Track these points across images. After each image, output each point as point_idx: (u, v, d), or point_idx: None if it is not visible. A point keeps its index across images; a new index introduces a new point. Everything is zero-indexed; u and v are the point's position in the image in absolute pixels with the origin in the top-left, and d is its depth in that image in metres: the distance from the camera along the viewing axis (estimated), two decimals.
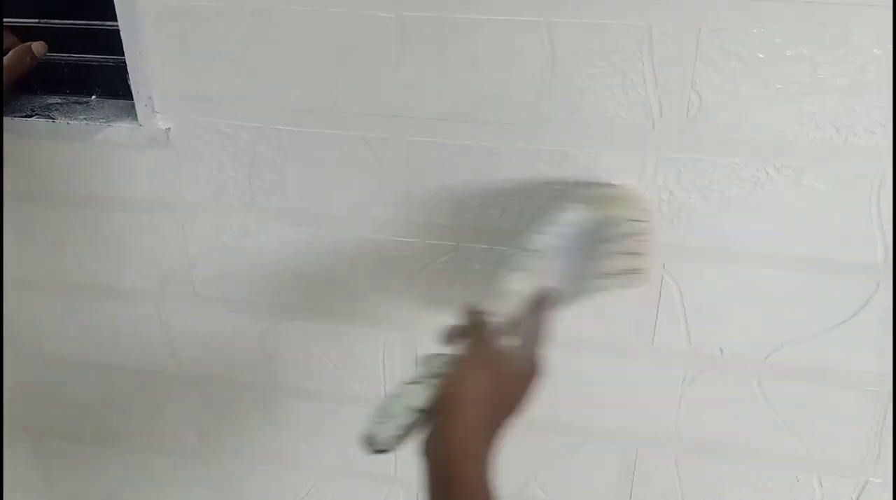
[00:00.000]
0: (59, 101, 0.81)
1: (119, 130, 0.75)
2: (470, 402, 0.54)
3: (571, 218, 0.62)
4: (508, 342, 0.59)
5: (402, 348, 0.82)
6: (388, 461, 0.91)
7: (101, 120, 0.76)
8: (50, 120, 0.76)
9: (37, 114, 0.77)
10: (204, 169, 0.76)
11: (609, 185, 0.67)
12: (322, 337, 0.84)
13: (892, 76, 0.59)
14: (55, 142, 0.77)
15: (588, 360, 0.78)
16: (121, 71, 0.78)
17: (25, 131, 0.77)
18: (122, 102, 0.80)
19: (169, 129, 0.74)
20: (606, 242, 0.63)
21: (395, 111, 0.69)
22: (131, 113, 0.76)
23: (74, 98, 0.81)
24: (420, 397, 0.54)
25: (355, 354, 0.84)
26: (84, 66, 0.81)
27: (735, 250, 0.69)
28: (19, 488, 1.06)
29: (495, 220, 0.71)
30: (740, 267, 0.69)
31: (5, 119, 0.77)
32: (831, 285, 0.68)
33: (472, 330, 0.59)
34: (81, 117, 0.76)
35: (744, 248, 0.68)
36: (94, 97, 0.81)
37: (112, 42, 0.73)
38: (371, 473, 0.92)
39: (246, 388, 0.90)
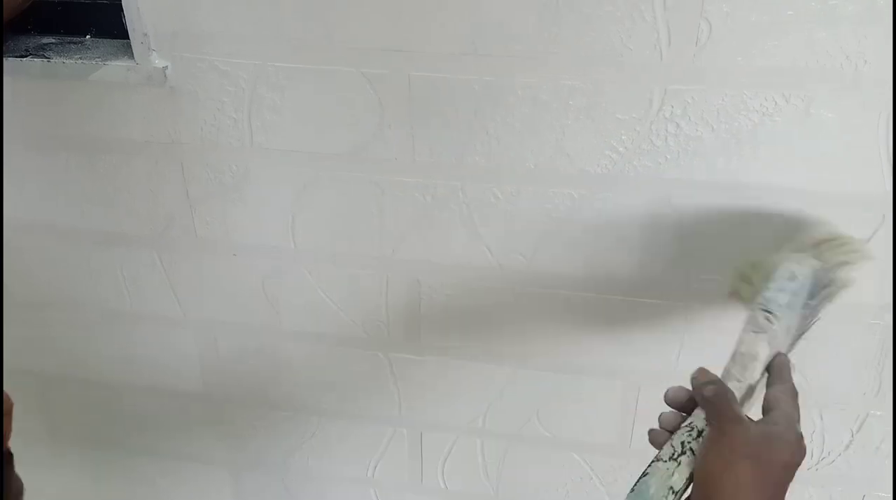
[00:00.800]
0: (54, 41, 0.79)
1: (115, 69, 0.73)
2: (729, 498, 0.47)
3: (801, 271, 0.58)
4: (763, 421, 0.51)
5: (407, 290, 0.82)
6: (392, 401, 0.91)
7: (97, 59, 0.74)
8: (45, 59, 0.74)
9: (31, 54, 0.75)
10: (202, 109, 0.75)
11: (831, 233, 0.64)
12: (325, 279, 0.84)
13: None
14: (50, 82, 0.76)
15: (591, 297, 0.78)
16: (116, 9, 0.76)
17: (20, 72, 0.75)
18: (118, 42, 0.78)
19: (166, 67, 0.73)
20: (828, 288, 0.60)
21: (395, 46, 0.68)
22: (127, 52, 0.75)
23: (69, 38, 0.79)
24: (678, 478, 0.50)
25: (359, 296, 0.84)
26: (78, 5, 0.79)
27: (741, 182, 0.68)
28: (23, 432, 1.07)
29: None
30: (746, 199, 0.69)
31: None
32: (837, 216, 0.67)
33: (716, 403, 0.51)
34: (76, 57, 0.75)
35: (751, 179, 0.68)
36: (88, 37, 0.80)
37: None
38: (376, 414, 0.93)
39: (250, 331, 0.90)
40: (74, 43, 0.79)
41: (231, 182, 0.79)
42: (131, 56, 0.74)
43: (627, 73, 0.64)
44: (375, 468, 0.99)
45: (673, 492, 0.49)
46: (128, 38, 0.75)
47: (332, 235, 0.81)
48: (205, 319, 0.90)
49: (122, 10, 0.75)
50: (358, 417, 0.94)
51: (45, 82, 0.76)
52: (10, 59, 0.75)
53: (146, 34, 0.72)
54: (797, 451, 0.50)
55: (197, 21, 0.70)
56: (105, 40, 0.79)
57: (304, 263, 0.83)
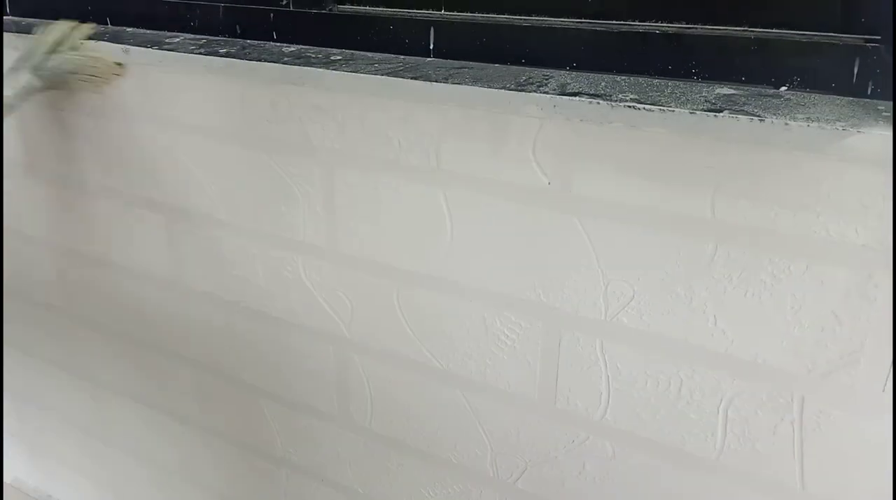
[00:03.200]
0: (734, 91, 0.57)
1: (873, 140, 0.48)
2: None
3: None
4: None
5: None
6: None
7: (840, 123, 0.50)
8: (754, 119, 0.52)
9: (727, 108, 0.54)
10: None
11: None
12: None
13: None
14: (754, 150, 0.53)
15: None
16: (839, 51, 0.52)
17: (707, 131, 0.54)
18: (835, 101, 0.54)
19: None
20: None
21: None
22: (863, 113, 0.50)
23: (754, 88, 0.57)
24: None
25: None
26: (776, 43, 0.57)
27: None
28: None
29: None
30: None
31: (666, 113, 0.55)
32: None
33: None
34: (801, 118, 0.51)
35: None
36: (784, 88, 0.57)
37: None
38: None
39: None
40: (763, 96, 0.56)
41: None
42: (885, 125, 0.49)
43: None
44: None
45: None
46: (856, 96, 0.51)
47: None
48: None
49: (857, 55, 0.51)
50: None
51: (750, 147, 0.54)
52: (685, 112, 0.54)
53: None
54: None
55: None
56: (813, 95, 0.55)
57: None
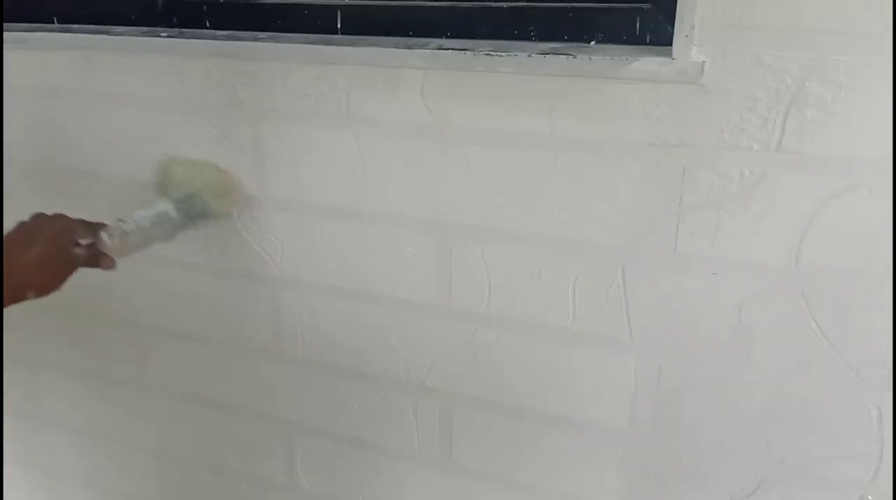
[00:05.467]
0: (560, 45, 0.80)
1: (647, 64, 0.72)
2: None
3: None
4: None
5: None
6: None
7: (624, 56, 0.73)
8: (569, 56, 0.75)
9: (552, 52, 0.76)
10: (730, 108, 0.71)
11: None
12: (822, 307, 0.75)
13: None
14: (573, 80, 0.76)
15: None
16: (629, 13, 0.76)
17: (539, 69, 0.76)
18: (627, 48, 0.77)
19: (704, 63, 0.70)
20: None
21: None
22: (644, 54, 0.73)
23: (574, 44, 0.80)
24: None
25: (863, 329, 0.74)
26: (585, 10, 0.80)
27: None
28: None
29: None
30: None
31: (512, 57, 0.77)
32: None
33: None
34: (601, 55, 0.74)
35: None
36: (593, 42, 0.80)
37: None
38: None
39: (706, 363, 0.82)
40: (580, 46, 0.79)
41: (737, 190, 0.74)
42: (654, 55, 0.73)
43: None
44: None
45: None
46: (640, 43, 0.75)
47: (846, 255, 0.72)
48: (653, 345, 0.84)
49: (638, 16, 0.75)
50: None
51: (567, 80, 0.76)
52: (524, 56, 0.76)
53: (693, 27, 0.70)
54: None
55: (750, 12, 0.67)
56: (612, 46, 0.79)
57: (800, 287, 0.75)
